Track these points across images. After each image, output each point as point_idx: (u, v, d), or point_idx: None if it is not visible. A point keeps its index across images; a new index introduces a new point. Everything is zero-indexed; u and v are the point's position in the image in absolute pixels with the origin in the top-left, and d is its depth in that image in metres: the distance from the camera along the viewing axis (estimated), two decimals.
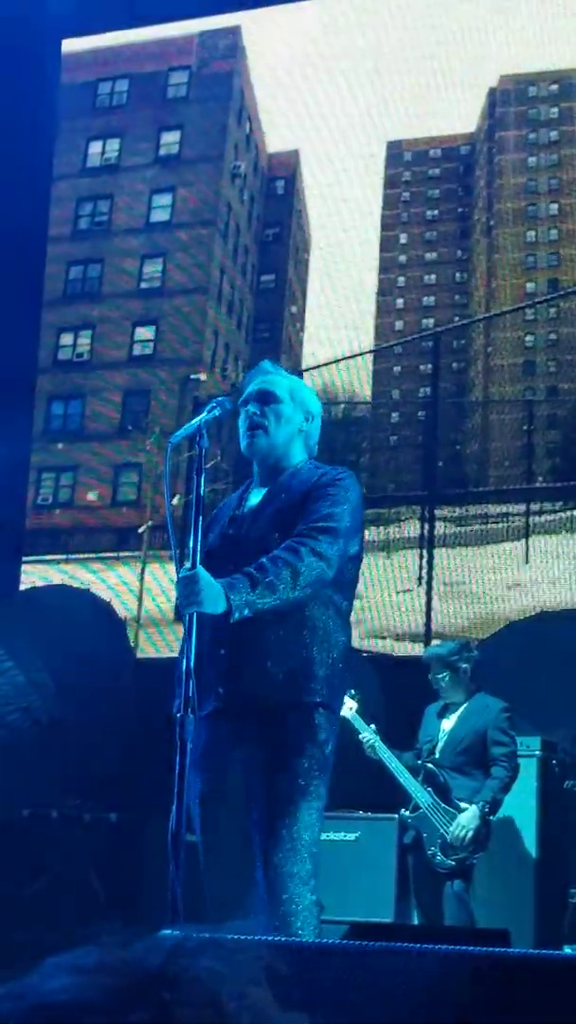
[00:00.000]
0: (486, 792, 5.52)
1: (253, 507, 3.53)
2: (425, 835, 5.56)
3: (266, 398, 3.55)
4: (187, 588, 3.15)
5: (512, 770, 5.58)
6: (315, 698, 3.33)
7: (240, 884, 3.32)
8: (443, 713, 5.82)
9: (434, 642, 6.74)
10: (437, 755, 5.72)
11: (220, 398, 3.43)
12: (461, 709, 5.75)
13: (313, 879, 3.28)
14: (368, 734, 5.58)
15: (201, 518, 3.22)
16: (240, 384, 8.84)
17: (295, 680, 3.32)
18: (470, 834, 5.45)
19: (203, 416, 3.32)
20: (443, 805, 5.56)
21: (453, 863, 5.48)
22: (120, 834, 6.52)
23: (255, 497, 3.56)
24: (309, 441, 3.64)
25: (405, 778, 5.62)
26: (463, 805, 5.52)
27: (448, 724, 5.77)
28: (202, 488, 3.25)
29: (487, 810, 5.49)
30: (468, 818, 5.48)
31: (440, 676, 5.74)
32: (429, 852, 5.53)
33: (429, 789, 5.61)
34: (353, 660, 3.69)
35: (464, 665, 5.75)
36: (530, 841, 5.81)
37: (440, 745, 5.74)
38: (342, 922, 3.49)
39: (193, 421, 3.31)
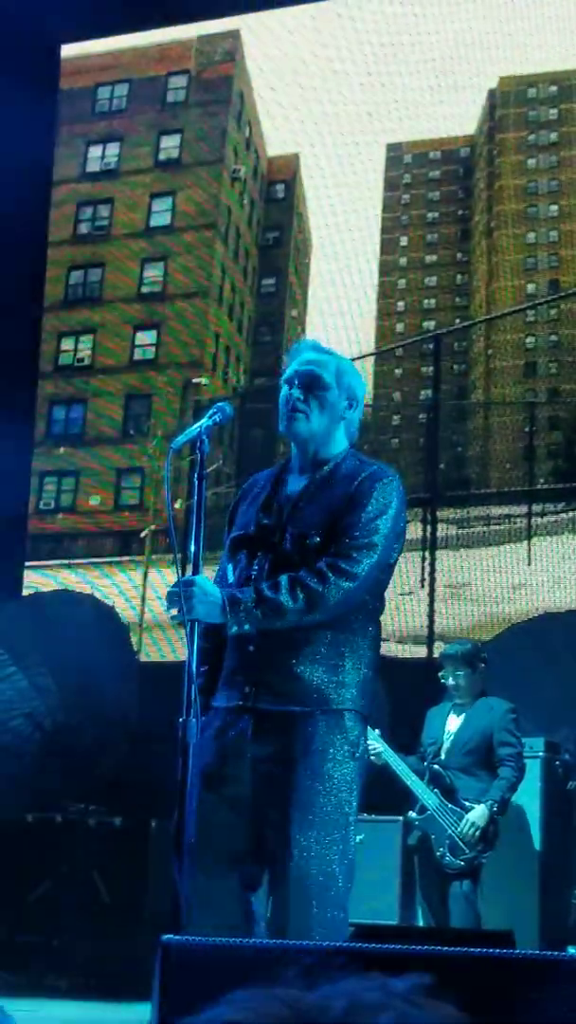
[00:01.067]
0: (494, 792, 5.51)
1: (292, 496, 3.42)
2: (433, 836, 5.55)
3: (312, 384, 3.42)
4: (184, 594, 3.14)
5: (519, 770, 5.57)
6: (346, 704, 3.24)
7: (237, 891, 3.26)
8: (448, 714, 5.80)
9: (439, 643, 6.73)
10: (443, 756, 5.70)
11: (221, 403, 3.40)
12: (467, 710, 5.74)
13: (345, 891, 3.17)
14: (374, 741, 5.55)
15: (203, 523, 3.21)
16: (243, 387, 8.82)
17: (325, 685, 3.23)
18: (479, 832, 5.45)
19: (204, 421, 3.29)
20: (450, 806, 5.55)
21: (462, 863, 5.47)
22: (125, 838, 6.52)
23: (294, 484, 3.45)
24: (351, 428, 3.51)
25: (412, 780, 5.60)
26: (470, 805, 5.52)
27: (453, 725, 5.76)
28: (203, 493, 3.24)
29: (496, 809, 5.48)
30: (477, 816, 5.47)
31: (458, 674, 5.72)
32: (438, 853, 5.51)
33: (436, 790, 5.60)
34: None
35: (481, 665, 5.75)
36: (534, 842, 5.81)
37: (446, 746, 5.72)
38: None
39: (194, 426, 3.29)
